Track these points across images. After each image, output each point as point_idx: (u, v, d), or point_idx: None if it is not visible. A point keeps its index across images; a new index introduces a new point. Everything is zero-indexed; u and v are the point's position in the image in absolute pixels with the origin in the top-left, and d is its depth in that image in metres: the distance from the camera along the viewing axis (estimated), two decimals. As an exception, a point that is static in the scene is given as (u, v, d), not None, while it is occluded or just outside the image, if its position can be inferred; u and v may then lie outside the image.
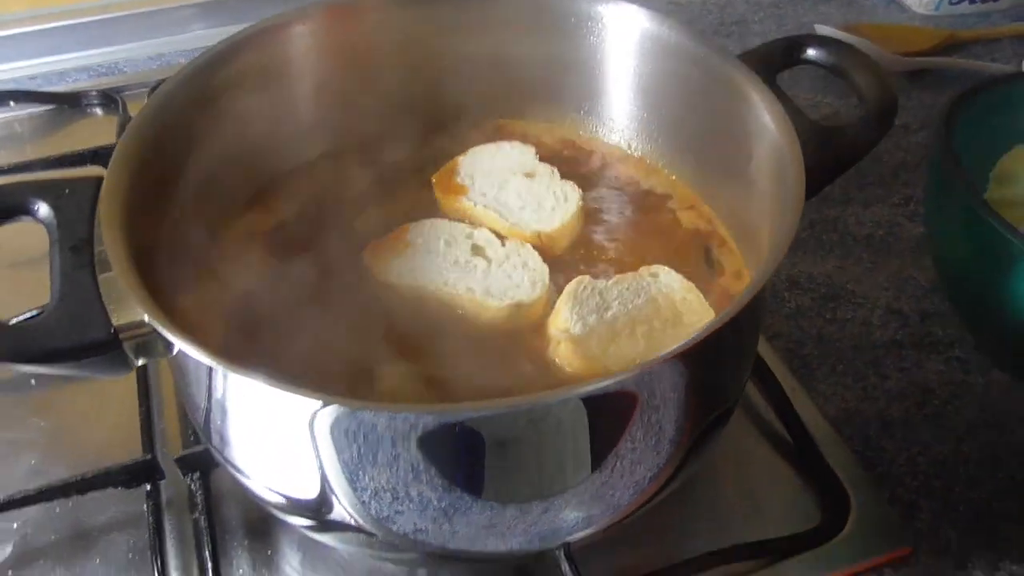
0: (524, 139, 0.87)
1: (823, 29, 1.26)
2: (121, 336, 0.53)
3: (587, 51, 0.83)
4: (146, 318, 0.51)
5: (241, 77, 0.74)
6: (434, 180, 0.81)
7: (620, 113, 0.86)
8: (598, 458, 0.56)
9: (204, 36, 0.76)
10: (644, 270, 0.71)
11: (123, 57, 1.29)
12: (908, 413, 0.84)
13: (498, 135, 0.88)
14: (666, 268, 0.71)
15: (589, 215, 0.80)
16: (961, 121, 0.85)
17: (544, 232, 0.75)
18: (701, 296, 0.70)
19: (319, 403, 0.49)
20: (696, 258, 0.76)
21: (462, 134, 0.88)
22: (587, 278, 0.70)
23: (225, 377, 0.53)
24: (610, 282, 0.70)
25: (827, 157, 0.68)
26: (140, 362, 0.55)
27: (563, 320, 0.67)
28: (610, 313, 0.67)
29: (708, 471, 0.77)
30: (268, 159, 0.79)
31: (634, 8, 0.79)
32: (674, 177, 0.84)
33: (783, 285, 0.96)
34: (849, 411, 0.84)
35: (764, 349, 0.87)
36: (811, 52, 0.74)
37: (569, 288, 0.69)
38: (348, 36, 0.80)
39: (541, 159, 0.84)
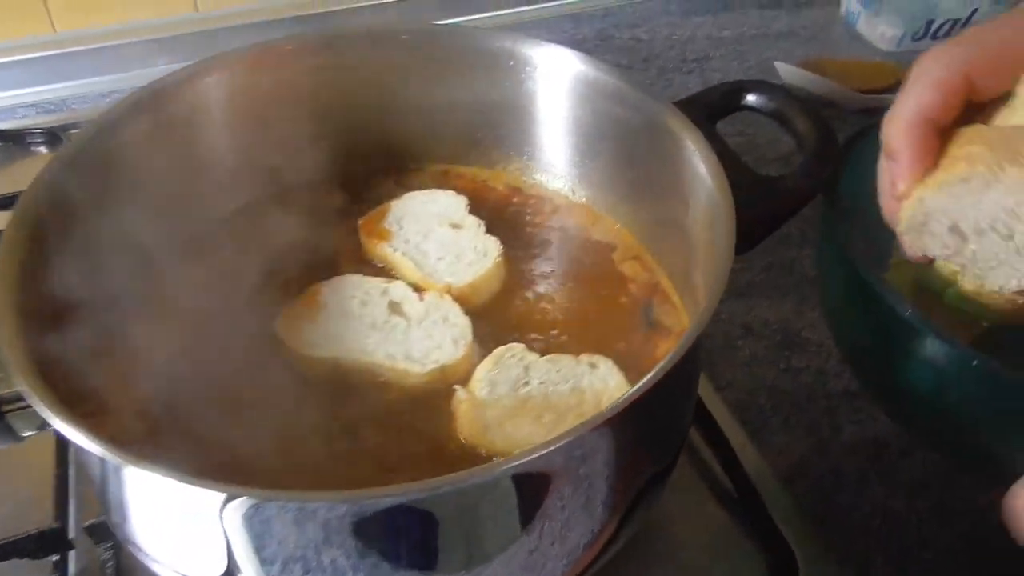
0: (472, 185, 0.85)
1: (783, 67, 1.25)
2: (3, 408, 0.50)
3: (525, 96, 0.81)
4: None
5: (152, 131, 0.72)
6: (360, 223, 0.79)
7: (561, 159, 0.83)
8: (526, 528, 0.53)
9: (161, 72, 0.73)
10: (585, 357, 0.66)
11: (73, 93, 1.27)
12: (861, 467, 0.81)
13: (444, 181, 0.86)
14: (609, 361, 0.66)
15: (529, 268, 0.78)
16: (858, 162, 0.72)
17: (455, 286, 0.73)
18: None
19: (223, 496, 0.46)
20: (634, 320, 0.73)
21: (406, 180, 0.86)
22: (520, 347, 0.66)
23: (112, 465, 0.50)
24: (543, 358, 0.66)
25: (765, 208, 0.66)
26: (28, 433, 0.52)
27: (474, 380, 0.64)
28: (525, 390, 0.63)
29: (653, 529, 0.74)
30: (183, 215, 0.76)
31: (568, 52, 0.77)
32: (618, 225, 0.81)
33: (737, 332, 0.93)
34: (802, 465, 0.81)
35: (714, 400, 0.84)
36: (750, 98, 0.72)
37: (497, 351, 0.66)
38: (269, 83, 0.78)
39: (487, 207, 0.82)
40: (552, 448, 0.48)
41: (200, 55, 0.77)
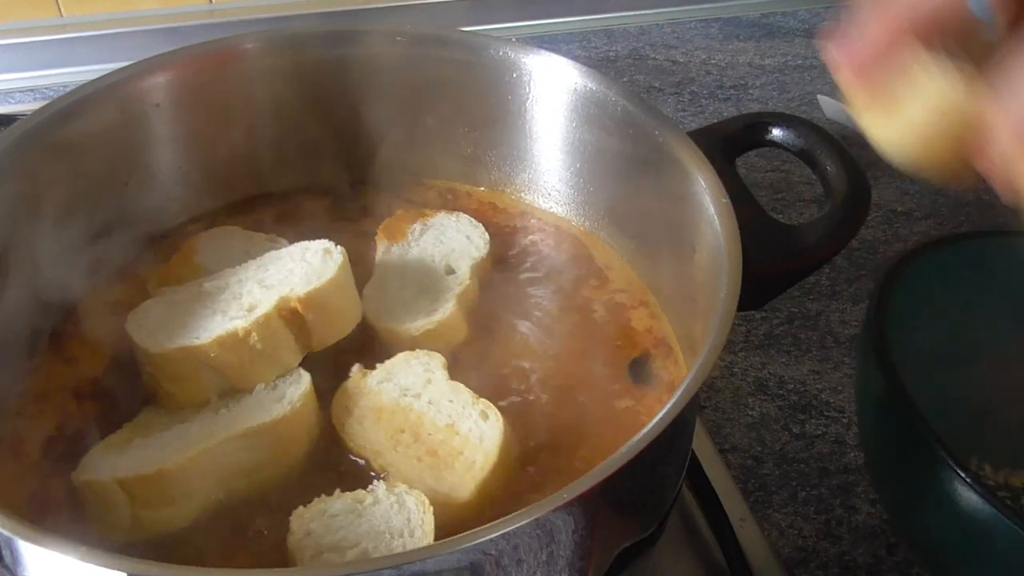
0: (479, 206, 0.79)
1: (827, 101, 1.16)
2: None
3: (523, 110, 0.73)
4: None
5: (92, 133, 0.67)
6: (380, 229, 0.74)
7: (562, 183, 0.76)
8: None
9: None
10: (482, 404, 0.59)
11: (75, 80, 1.21)
12: (876, 557, 0.72)
13: (451, 201, 0.80)
14: (500, 421, 0.59)
15: (523, 294, 0.71)
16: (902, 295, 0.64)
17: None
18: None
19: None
20: (620, 373, 0.66)
21: (410, 194, 0.80)
22: (438, 358, 0.62)
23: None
24: (448, 382, 0.61)
25: (779, 262, 0.57)
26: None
27: (381, 367, 0.63)
28: (408, 401, 0.60)
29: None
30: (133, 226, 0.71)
31: (571, 65, 0.70)
32: (624, 261, 0.73)
33: (748, 389, 0.84)
34: (807, 549, 0.72)
35: (714, 464, 0.76)
36: (776, 132, 0.64)
37: (415, 353, 0.63)
38: (233, 84, 0.71)
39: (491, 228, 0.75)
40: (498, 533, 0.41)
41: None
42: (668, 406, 0.45)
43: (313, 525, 0.53)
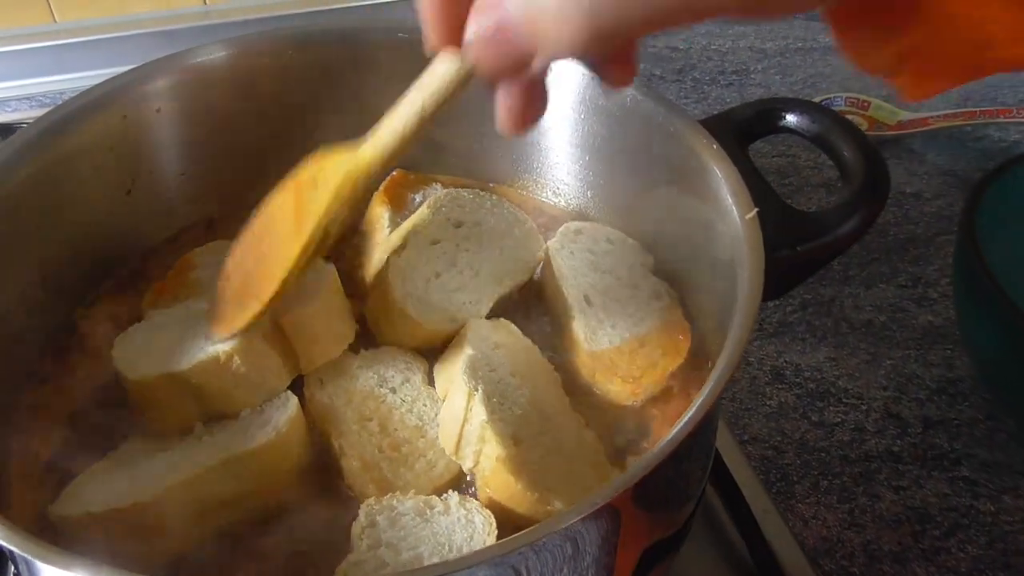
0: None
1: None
2: None
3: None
4: None
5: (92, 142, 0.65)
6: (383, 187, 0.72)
7: (571, 177, 0.74)
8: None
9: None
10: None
11: (71, 87, 1.20)
12: (902, 545, 0.71)
13: None
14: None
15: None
16: (988, 206, 0.74)
17: None
18: None
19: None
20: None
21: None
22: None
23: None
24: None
25: (801, 251, 0.56)
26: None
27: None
28: (384, 391, 0.60)
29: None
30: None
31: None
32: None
33: (765, 378, 0.83)
34: (831, 540, 0.71)
35: (734, 456, 0.75)
36: (790, 118, 0.63)
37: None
38: (235, 83, 0.70)
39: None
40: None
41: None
42: (693, 408, 0.44)
43: (380, 518, 0.52)
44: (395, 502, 0.53)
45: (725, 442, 0.76)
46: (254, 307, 0.54)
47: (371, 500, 0.53)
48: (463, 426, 0.55)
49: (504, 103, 0.43)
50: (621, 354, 0.61)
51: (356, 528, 0.52)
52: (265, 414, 0.57)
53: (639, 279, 0.66)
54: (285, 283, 0.53)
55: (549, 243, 0.68)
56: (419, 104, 0.47)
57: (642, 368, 0.61)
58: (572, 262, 0.67)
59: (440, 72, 0.45)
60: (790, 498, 0.74)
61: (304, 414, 0.58)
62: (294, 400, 0.57)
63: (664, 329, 0.63)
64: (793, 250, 0.55)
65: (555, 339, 0.65)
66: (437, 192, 0.73)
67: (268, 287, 0.53)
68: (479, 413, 0.54)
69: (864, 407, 0.81)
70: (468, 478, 0.57)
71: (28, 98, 1.18)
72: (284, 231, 0.53)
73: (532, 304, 0.68)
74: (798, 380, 0.83)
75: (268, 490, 0.55)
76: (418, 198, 0.73)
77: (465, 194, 0.71)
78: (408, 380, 0.61)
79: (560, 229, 0.69)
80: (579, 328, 0.63)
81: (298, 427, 0.57)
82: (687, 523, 0.59)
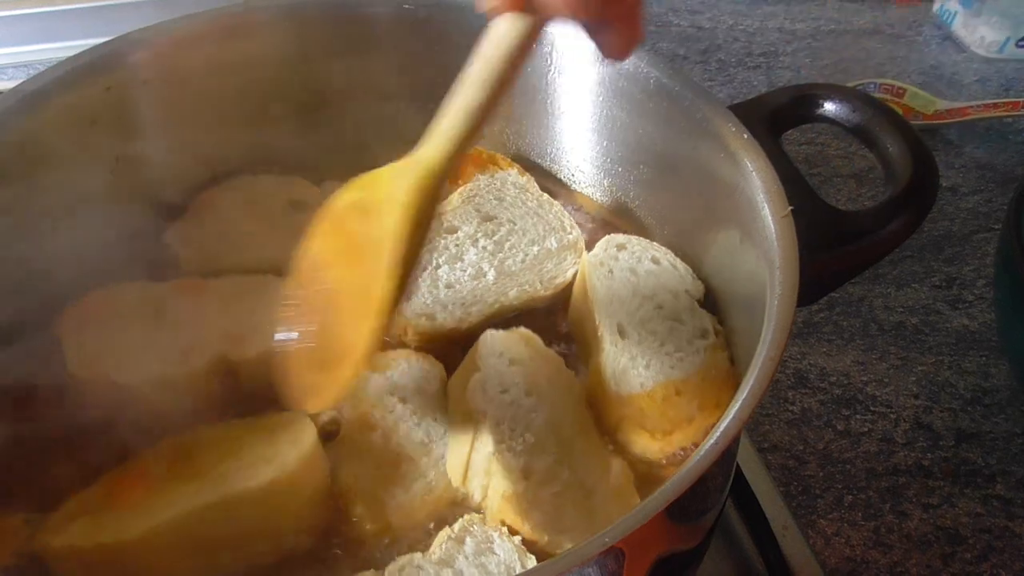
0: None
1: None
2: None
3: (546, 83, 0.67)
4: None
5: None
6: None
7: (590, 164, 0.69)
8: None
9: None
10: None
11: (61, 56, 1.15)
12: (931, 568, 0.66)
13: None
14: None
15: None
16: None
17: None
18: None
19: None
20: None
21: None
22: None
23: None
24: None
25: (838, 254, 0.51)
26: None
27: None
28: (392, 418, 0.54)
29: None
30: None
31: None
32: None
33: (788, 382, 0.78)
34: (855, 560, 0.67)
35: (754, 465, 0.70)
36: (828, 107, 0.57)
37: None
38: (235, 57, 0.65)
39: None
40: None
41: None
42: (725, 423, 0.39)
43: None
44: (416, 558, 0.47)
45: (744, 450, 0.71)
46: (348, 366, 0.46)
47: (392, 567, 0.46)
48: (470, 455, 0.50)
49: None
50: (652, 401, 0.53)
51: None
52: (273, 447, 0.49)
53: (683, 311, 0.58)
54: (382, 325, 0.45)
55: (587, 256, 0.62)
56: (487, 75, 0.42)
57: (674, 422, 0.53)
58: (610, 283, 0.59)
59: (504, 32, 0.41)
60: (811, 513, 0.69)
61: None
62: (311, 431, 0.50)
63: (706, 377, 0.55)
64: (830, 252, 0.50)
65: (577, 370, 0.58)
66: (511, 176, 0.67)
67: (360, 340, 0.45)
68: (486, 443, 0.49)
69: (893, 416, 0.76)
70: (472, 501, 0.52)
71: (25, 65, 1.14)
72: (352, 276, 0.46)
73: (558, 323, 0.63)
74: (823, 385, 0.78)
75: (272, 534, 0.48)
76: (484, 180, 0.67)
77: (511, 188, 0.66)
78: (421, 390, 0.55)
79: (601, 241, 0.62)
80: (607, 363, 0.55)
81: (312, 466, 0.49)
82: (707, 538, 0.54)
